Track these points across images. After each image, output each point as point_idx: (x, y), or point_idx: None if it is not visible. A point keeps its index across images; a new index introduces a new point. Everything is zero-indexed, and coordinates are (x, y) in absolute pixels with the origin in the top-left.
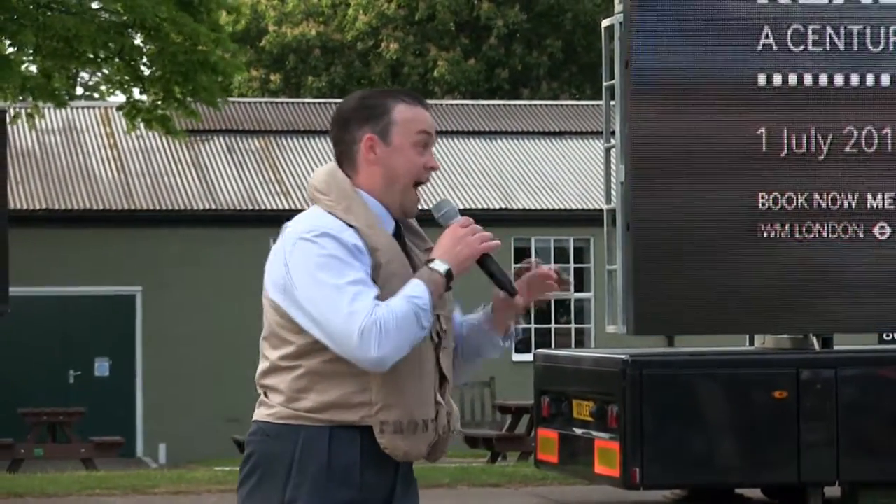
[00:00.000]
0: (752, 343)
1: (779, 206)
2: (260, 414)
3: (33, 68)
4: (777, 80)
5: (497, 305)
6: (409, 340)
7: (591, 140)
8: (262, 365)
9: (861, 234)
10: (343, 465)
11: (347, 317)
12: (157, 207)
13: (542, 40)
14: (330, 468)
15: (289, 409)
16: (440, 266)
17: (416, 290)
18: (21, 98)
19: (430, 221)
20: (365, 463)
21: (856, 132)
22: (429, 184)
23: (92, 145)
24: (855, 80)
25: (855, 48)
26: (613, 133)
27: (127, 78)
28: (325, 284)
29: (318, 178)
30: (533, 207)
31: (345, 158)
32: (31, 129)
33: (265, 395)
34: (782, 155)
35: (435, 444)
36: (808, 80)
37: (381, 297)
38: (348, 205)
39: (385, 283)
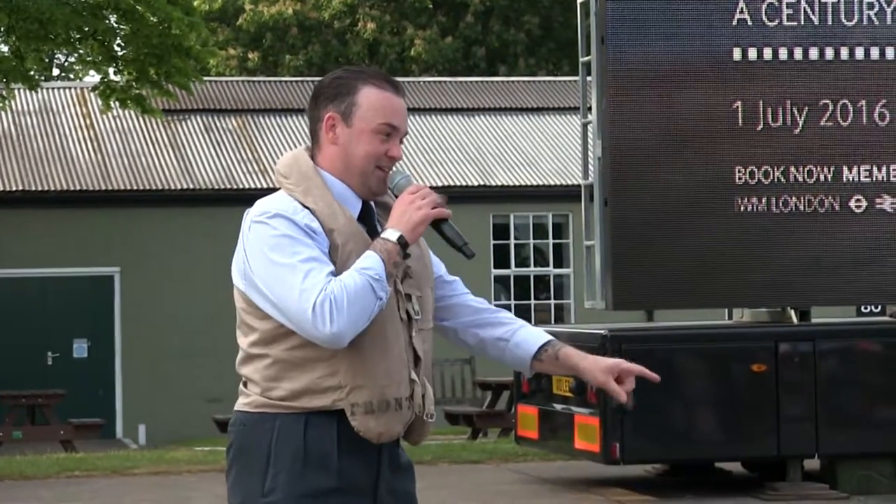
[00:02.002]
0: (730, 317)
1: (755, 180)
2: (239, 403)
3: (5, 49)
4: (752, 54)
5: (590, 380)
6: (366, 313)
7: (568, 116)
8: (239, 354)
9: (837, 208)
10: (319, 452)
11: (300, 294)
12: (135, 188)
13: (520, 17)
14: (306, 456)
15: (263, 398)
16: (391, 234)
17: (368, 262)
18: None
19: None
20: (342, 449)
21: (831, 106)
22: (407, 162)
23: (68, 126)
24: (829, 53)
25: (829, 22)
26: (590, 109)
27: (101, 58)
28: (277, 264)
29: (283, 162)
30: (511, 184)
31: (313, 135)
32: (3, 110)
33: (244, 384)
34: (758, 129)
35: (413, 425)
36: (782, 54)
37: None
38: (307, 187)
39: (343, 263)
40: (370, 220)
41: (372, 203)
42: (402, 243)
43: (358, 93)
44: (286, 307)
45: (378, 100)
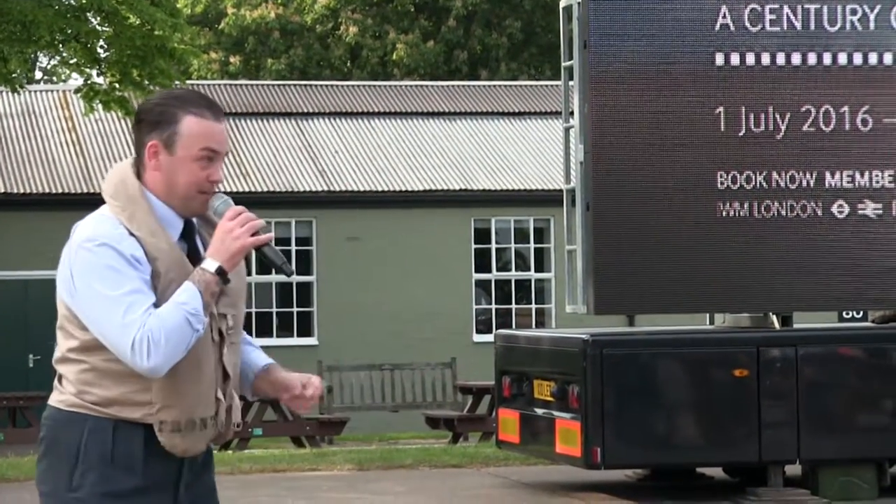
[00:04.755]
0: (712, 322)
1: (737, 186)
2: (52, 398)
3: None
4: (735, 59)
5: (276, 388)
6: (182, 346)
7: (550, 120)
8: (56, 352)
9: (820, 213)
10: (125, 454)
11: (121, 329)
12: None
13: (502, 21)
14: (113, 457)
15: (77, 399)
16: (210, 265)
17: (185, 296)
18: None
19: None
20: (148, 453)
21: (813, 111)
22: (389, 166)
23: (50, 129)
24: (812, 59)
25: (812, 27)
26: (572, 113)
27: (84, 60)
28: (101, 295)
29: (110, 181)
30: (493, 188)
31: (138, 156)
32: None
33: (59, 380)
34: (740, 134)
35: (216, 437)
36: (765, 59)
37: (159, 304)
38: (133, 212)
39: (164, 291)
40: (191, 237)
41: (194, 219)
42: (221, 273)
43: (179, 122)
44: (107, 337)
45: (198, 128)
